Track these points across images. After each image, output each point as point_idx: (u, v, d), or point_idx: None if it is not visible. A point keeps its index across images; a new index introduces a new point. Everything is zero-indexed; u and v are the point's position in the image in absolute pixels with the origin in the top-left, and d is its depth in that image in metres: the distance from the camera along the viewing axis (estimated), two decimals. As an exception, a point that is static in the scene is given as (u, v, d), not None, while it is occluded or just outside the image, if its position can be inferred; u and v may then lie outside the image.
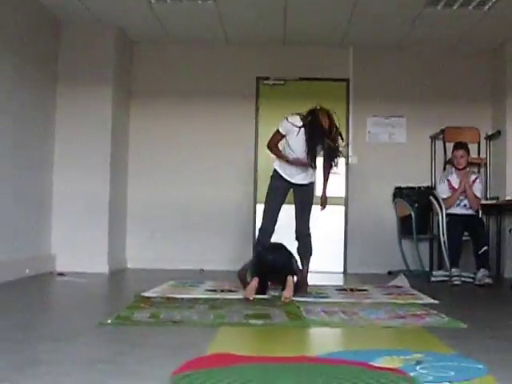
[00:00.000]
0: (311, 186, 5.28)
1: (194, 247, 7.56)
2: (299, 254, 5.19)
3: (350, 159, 7.66)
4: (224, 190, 7.67)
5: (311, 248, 5.29)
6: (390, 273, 7.19)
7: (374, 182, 7.62)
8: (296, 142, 5.13)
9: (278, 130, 5.23)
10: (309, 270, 5.27)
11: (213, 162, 7.71)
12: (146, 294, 4.86)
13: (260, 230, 5.26)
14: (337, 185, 7.50)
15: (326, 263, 7.45)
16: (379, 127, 7.71)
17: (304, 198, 5.23)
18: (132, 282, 6.35)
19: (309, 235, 5.29)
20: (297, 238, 5.27)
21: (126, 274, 6.85)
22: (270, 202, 5.22)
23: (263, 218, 5.22)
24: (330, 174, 5.27)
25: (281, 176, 5.23)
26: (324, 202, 5.28)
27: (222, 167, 7.70)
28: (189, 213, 7.58)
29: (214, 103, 7.72)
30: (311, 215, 5.31)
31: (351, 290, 5.49)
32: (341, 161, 7.06)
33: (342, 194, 7.67)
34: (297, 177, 5.22)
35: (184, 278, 6.12)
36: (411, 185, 7.45)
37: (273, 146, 5.27)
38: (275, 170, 5.28)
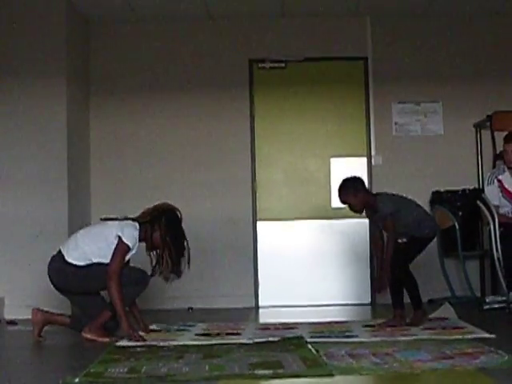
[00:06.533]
0: None
1: (180, 280, 7.45)
2: None
3: (372, 159, 7.75)
4: (214, 204, 7.73)
5: None
6: (430, 301, 7.20)
7: (405, 186, 7.38)
8: None
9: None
10: None
11: (198, 170, 7.78)
12: (121, 343, 4.85)
13: None
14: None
15: (349, 293, 7.54)
16: (408, 116, 7.79)
17: None
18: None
19: None
20: None
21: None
22: None
23: None
24: None
25: None
26: None
27: (210, 176, 7.77)
28: (170, 235, 7.56)
29: (196, 96, 7.81)
30: None
31: (383, 324, 5.55)
32: (361, 161, 7.45)
33: (365, 203, 7.71)
34: None
35: (168, 321, 6.14)
36: (453, 188, 7.50)
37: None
38: None
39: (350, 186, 5.57)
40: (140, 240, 5.26)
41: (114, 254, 5.15)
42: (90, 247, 5.24)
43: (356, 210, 5.63)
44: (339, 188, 5.62)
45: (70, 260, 5.22)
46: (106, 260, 5.16)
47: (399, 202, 5.63)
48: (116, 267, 5.10)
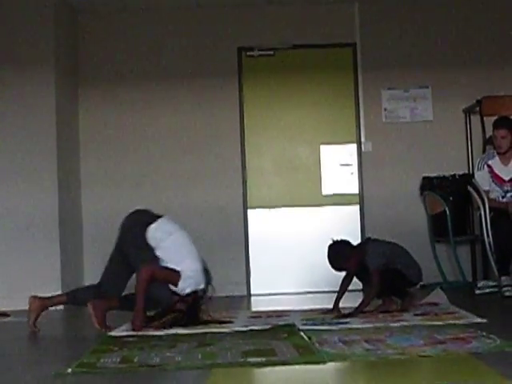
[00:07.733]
0: None
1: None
2: None
3: (362, 146, 7.79)
4: (205, 192, 7.77)
5: None
6: (422, 287, 7.04)
7: (396, 172, 7.75)
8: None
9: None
10: None
11: (187, 159, 7.82)
12: (113, 333, 4.85)
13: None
14: (348, 179, 7.72)
15: (340, 280, 7.33)
16: (398, 102, 7.83)
17: None
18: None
19: None
20: None
21: (86, 308, 6.83)
22: None
23: None
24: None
25: None
26: None
27: (200, 165, 7.80)
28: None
29: (184, 85, 7.84)
30: None
31: (374, 311, 5.54)
32: (351, 148, 7.54)
33: (356, 190, 7.79)
34: None
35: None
36: (443, 174, 7.55)
37: None
38: None
39: (340, 254, 5.43)
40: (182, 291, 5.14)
41: (166, 267, 5.10)
42: (168, 246, 5.17)
43: (352, 271, 5.53)
44: (328, 257, 5.44)
45: (147, 231, 5.16)
46: (163, 262, 5.12)
47: (388, 255, 5.44)
48: (155, 273, 5.02)
